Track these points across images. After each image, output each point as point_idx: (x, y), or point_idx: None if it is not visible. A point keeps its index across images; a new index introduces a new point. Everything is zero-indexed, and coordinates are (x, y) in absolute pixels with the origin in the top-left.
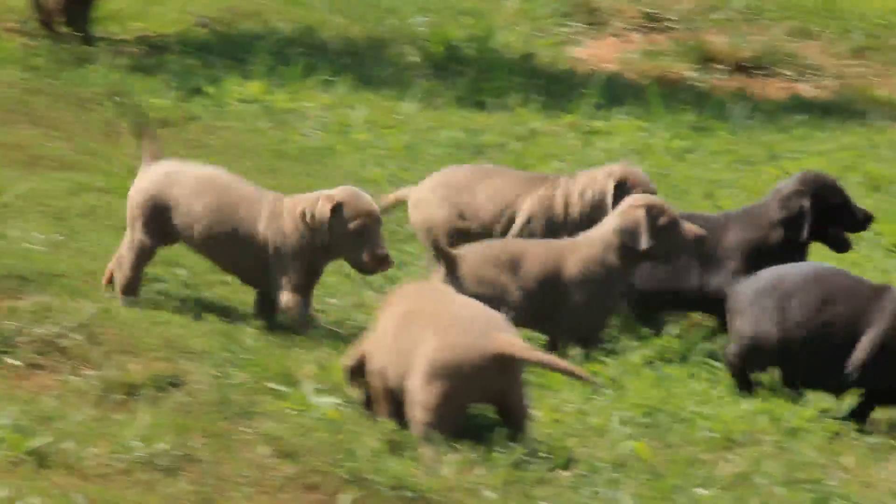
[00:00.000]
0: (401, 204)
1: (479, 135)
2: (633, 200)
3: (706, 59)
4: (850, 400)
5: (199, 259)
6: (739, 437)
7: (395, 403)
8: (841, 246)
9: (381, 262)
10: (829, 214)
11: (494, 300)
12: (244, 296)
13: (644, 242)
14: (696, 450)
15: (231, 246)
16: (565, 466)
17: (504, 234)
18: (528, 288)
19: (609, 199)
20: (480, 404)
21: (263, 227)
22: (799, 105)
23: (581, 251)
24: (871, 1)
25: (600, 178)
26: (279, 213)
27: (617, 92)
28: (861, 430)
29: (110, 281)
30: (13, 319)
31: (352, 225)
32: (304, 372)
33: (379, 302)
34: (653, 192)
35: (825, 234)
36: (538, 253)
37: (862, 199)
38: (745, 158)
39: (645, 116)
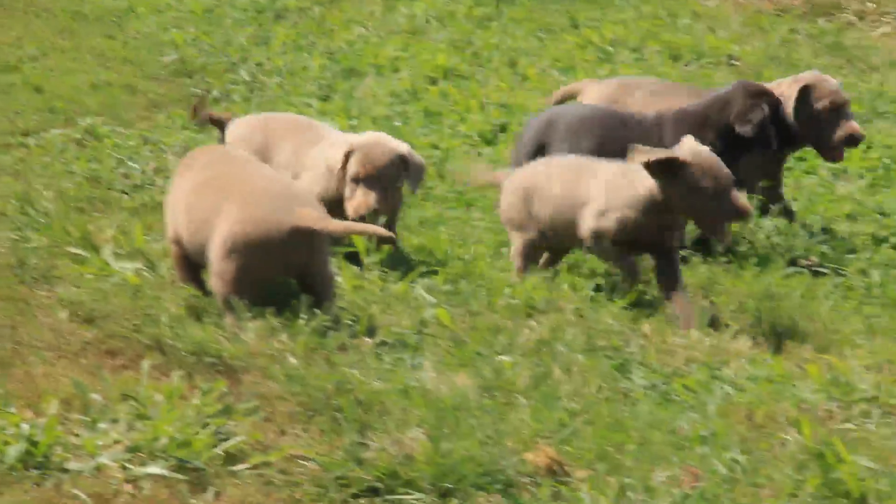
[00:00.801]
0: None
1: None
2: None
3: None
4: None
5: None
6: (541, 304)
7: (194, 269)
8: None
9: None
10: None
11: None
12: (44, 159)
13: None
14: (498, 317)
15: None
16: (368, 333)
17: None
18: None
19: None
20: (282, 277)
21: None
22: None
23: None
24: None
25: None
26: None
27: None
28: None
29: None
30: None
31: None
32: (103, 236)
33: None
34: (843, 101)
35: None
36: None
37: (660, 70)
38: (547, 26)
39: None
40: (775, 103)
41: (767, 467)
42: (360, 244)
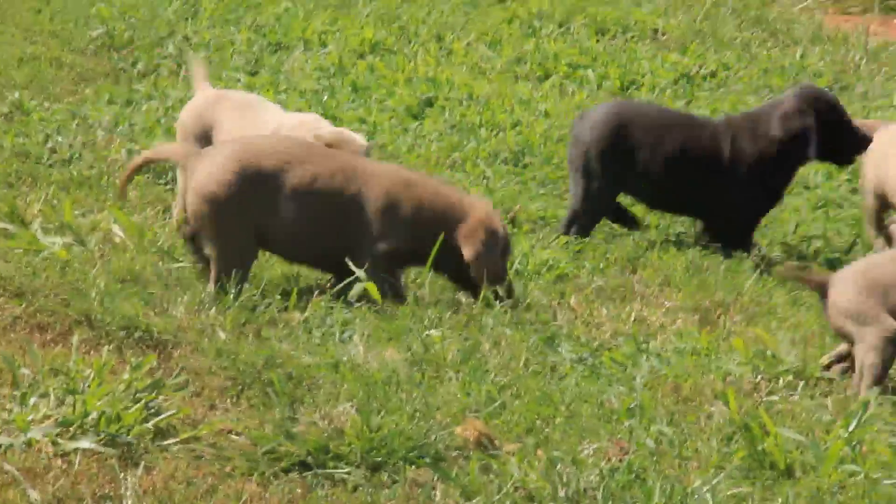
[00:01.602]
0: None
1: None
2: None
3: None
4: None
5: None
6: None
7: None
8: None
9: None
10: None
11: None
12: None
13: None
14: (428, 292)
15: None
16: (298, 308)
17: None
18: None
19: None
20: None
21: None
22: None
23: None
24: None
25: None
26: None
27: None
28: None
29: None
30: None
31: None
32: (31, 211)
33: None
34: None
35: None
36: None
37: (586, 44)
38: (474, 1)
39: None
40: (826, 111)
41: (694, 440)
42: None
